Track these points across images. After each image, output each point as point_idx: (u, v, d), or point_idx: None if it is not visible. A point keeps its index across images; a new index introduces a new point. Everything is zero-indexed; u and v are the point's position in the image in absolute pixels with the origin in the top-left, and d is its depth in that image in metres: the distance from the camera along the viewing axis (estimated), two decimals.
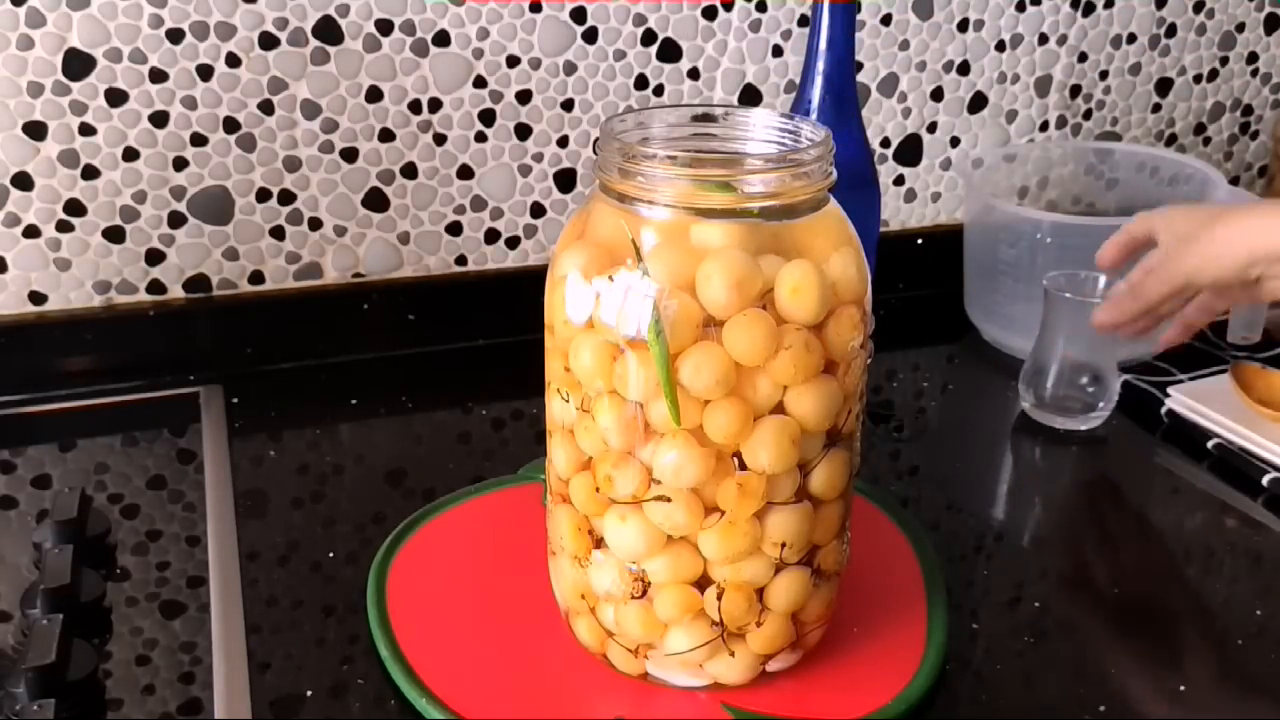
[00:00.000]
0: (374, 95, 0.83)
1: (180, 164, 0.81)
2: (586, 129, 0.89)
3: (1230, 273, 0.66)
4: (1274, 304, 0.86)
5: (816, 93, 0.71)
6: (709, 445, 0.48)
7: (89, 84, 0.77)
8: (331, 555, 0.65)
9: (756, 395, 0.48)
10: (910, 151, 0.99)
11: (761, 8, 0.90)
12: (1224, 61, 1.06)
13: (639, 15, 0.87)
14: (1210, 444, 0.77)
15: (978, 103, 0.99)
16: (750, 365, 0.47)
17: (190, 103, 0.79)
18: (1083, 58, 1.01)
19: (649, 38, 0.88)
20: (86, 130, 0.78)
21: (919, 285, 0.99)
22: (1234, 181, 1.12)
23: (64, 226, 0.80)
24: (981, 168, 0.94)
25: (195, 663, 0.57)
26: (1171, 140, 1.08)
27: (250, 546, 0.66)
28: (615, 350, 0.48)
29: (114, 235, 0.81)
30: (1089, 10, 0.99)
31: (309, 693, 0.55)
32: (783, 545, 0.50)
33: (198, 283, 0.84)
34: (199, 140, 0.80)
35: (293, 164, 0.83)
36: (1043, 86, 1.01)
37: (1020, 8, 0.97)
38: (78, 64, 0.76)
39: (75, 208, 0.79)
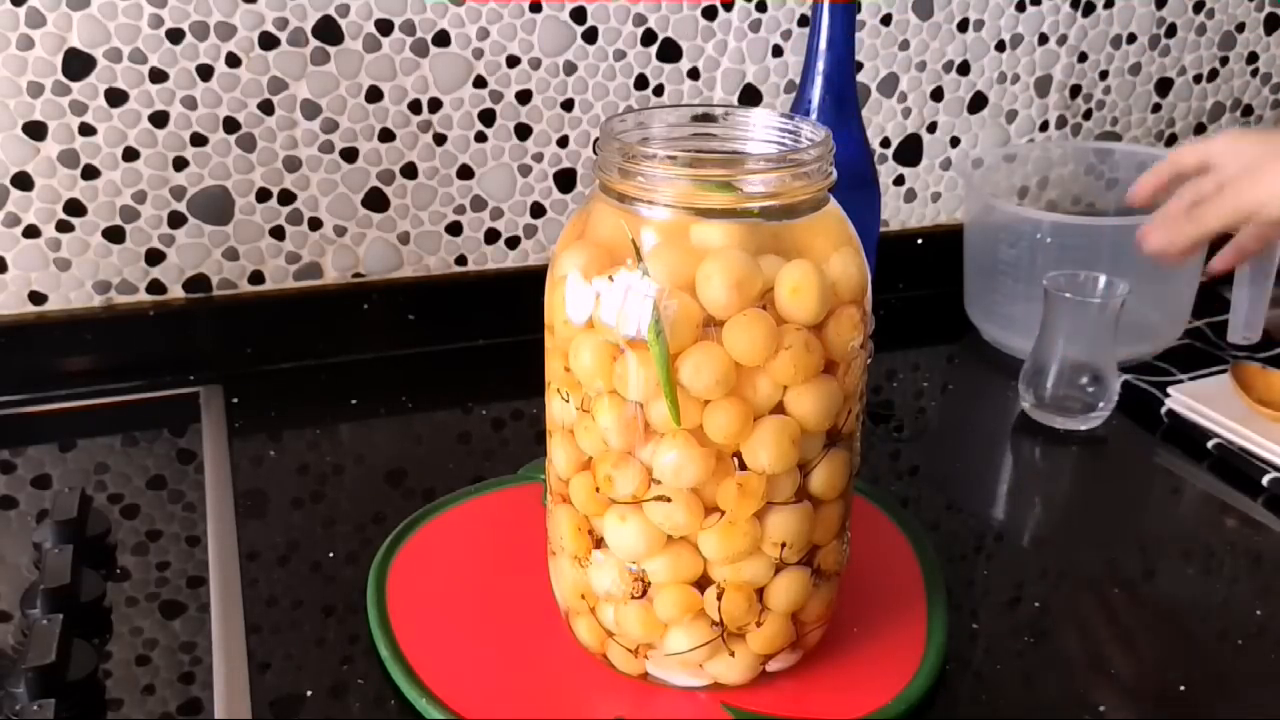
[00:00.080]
0: (374, 95, 0.83)
1: (180, 164, 0.81)
2: (586, 129, 0.89)
3: None
4: (1274, 304, 0.86)
5: (816, 93, 0.71)
6: (709, 445, 0.48)
7: (89, 84, 0.77)
8: (331, 555, 0.65)
9: (756, 395, 0.48)
10: (910, 151, 0.99)
11: (761, 8, 0.90)
12: (1224, 61, 1.06)
13: (639, 15, 0.87)
14: (1210, 444, 0.77)
15: (978, 103, 0.99)
16: (750, 365, 0.47)
17: (190, 103, 0.79)
18: (1083, 58, 1.01)
19: (649, 38, 0.88)
20: (86, 130, 0.78)
21: (919, 285, 0.99)
22: None
23: (64, 226, 0.80)
24: (981, 168, 0.94)
25: (195, 663, 0.57)
26: (1171, 140, 1.08)
27: (250, 546, 0.66)
28: (615, 350, 0.48)
29: (114, 235, 0.81)
30: (1089, 10, 0.99)
31: (309, 693, 0.55)
32: (783, 545, 0.50)
33: (198, 283, 0.84)
34: (199, 140, 0.80)
35: (293, 164, 0.83)
36: (1043, 86, 1.01)
37: (1020, 8, 0.97)
38: (78, 64, 0.76)
39: (75, 208, 0.79)
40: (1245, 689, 0.57)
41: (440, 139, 0.86)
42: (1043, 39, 0.99)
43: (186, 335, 0.84)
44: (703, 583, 0.51)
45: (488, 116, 0.86)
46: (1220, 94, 1.08)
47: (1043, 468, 0.80)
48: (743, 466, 0.49)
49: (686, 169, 0.48)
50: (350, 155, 0.84)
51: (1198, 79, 1.06)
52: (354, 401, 0.83)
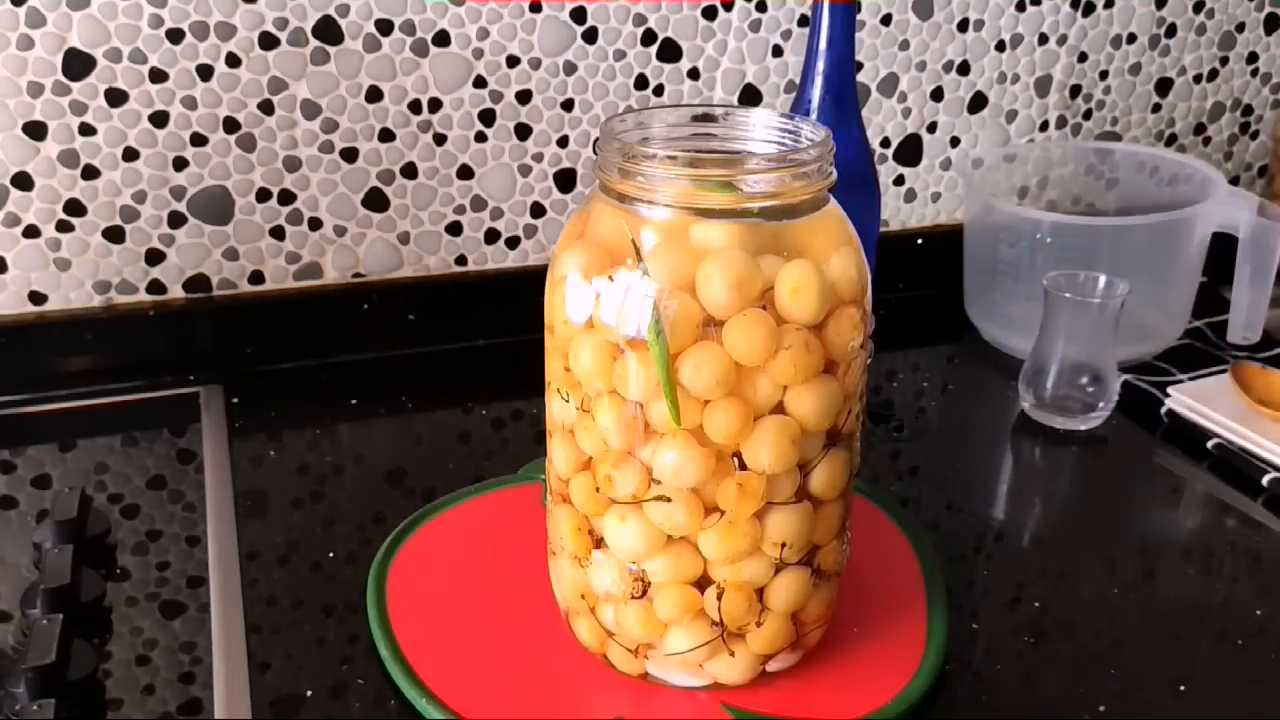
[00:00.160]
0: (374, 95, 0.83)
1: (180, 164, 0.81)
2: (586, 129, 0.89)
3: None
4: (1274, 304, 0.86)
5: (816, 93, 0.71)
6: (709, 445, 0.48)
7: (89, 84, 0.77)
8: (331, 555, 0.65)
9: (756, 395, 0.48)
10: (910, 151, 0.99)
11: (761, 8, 0.90)
12: (1224, 61, 1.06)
13: (639, 15, 0.87)
14: (1210, 444, 0.77)
15: (978, 103, 0.99)
16: (750, 365, 0.47)
17: (190, 103, 0.79)
18: (1083, 58, 1.01)
19: (649, 38, 0.88)
20: (86, 130, 0.78)
21: (919, 285, 0.99)
22: (1234, 181, 1.12)
23: (64, 226, 0.80)
24: (981, 168, 0.94)
25: (195, 663, 0.57)
26: (1171, 140, 1.08)
27: (250, 546, 0.66)
28: (615, 350, 0.48)
29: (114, 235, 0.81)
30: (1089, 10, 0.99)
31: (309, 693, 0.55)
32: (783, 545, 0.50)
33: (198, 283, 0.84)
34: (199, 140, 0.80)
35: (293, 164, 0.83)
36: (1043, 86, 1.01)
37: (1020, 8, 0.97)
38: (78, 64, 0.76)
39: (75, 208, 0.79)
40: (1245, 689, 0.57)
41: (440, 139, 0.86)
42: (1043, 39, 0.99)
43: (186, 335, 0.84)
44: (703, 583, 0.51)
45: (488, 116, 0.86)
46: (1220, 94, 1.08)
47: (1043, 468, 0.80)
48: (743, 466, 0.49)
49: (686, 169, 0.48)
50: (350, 155, 0.84)
51: (1198, 79, 1.06)
52: (354, 401, 0.83)
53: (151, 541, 0.66)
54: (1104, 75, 1.02)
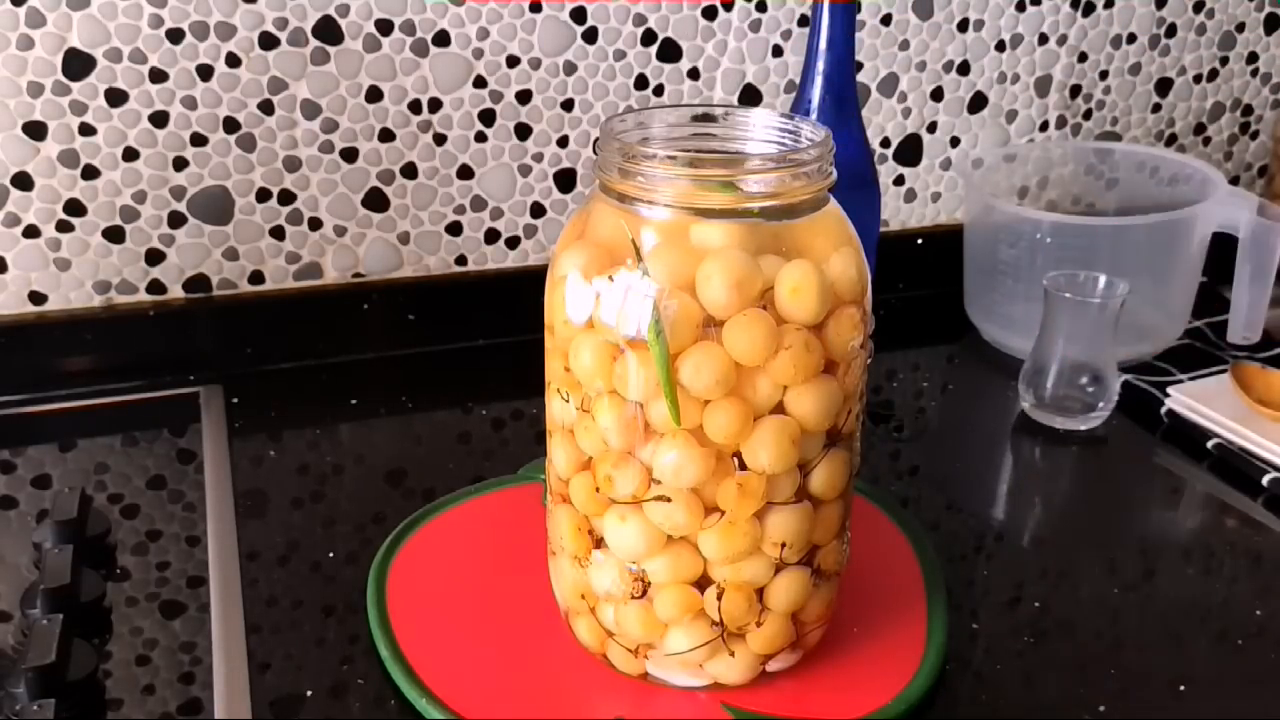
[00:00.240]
0: (374, 95, 0.83)
1: (180, 164, 0.81)
2: (586, 129, 0.89)
3: None
4: (1274, 304, 0.86)
5: (816, 93, 0.71)
6: (709, 445, 0.48)
7: (89, 84, 0.77)
8: (331, 555, 0.65)
9: (756, 395, 0.48)
10: (910, 151, 0.99)
11: (761, 8, 0.90)
12: (1224, 61, 1.06)
13: (639, 15, 0.87)
14: (1210, 444, 0.77)
15: (978, 103, 0.99)
16: (750, 365, 0.47)
17: (190, 103, 0.79)
18: (1083, 58, 1.01)
19: (649, 38, 0.88)
20: (86, 130, 0.78)
21: (919, 285, 0.99)
22: (1234, 181, 1.12)
23: (64, 226, 0.80)
24: (981, 168, 0.94)
25: (195, 663, 0.57)
26: (1171, 140, 1.08)
27: (250, 546, 0.66)
28: (615, 350, 0.48)
29: (114, 235, 0.81)
30: (1089, 10, 0.99)
31: (309, 693, 0.55)
32: (783, 545, 0.50)
33: (198, 283, 0.84)
34: (199, 140, 0.80)
35: (293, 164, 0.83)
36: (1043, 86, 1.01)
37: (1020, 8, 0.97)
38: (78, 64, 0.76)
39: (75, 208, 0.79)
40: (1245, 689, 0.57)
41: (440, 139, 0.86)
42: (1043, 39, 0.99)
43: (186, 335, 0.84)
44: (703, 583, 0.51)
45: (488, 116, 0.86)
46: (1220, 94, 1.08)
47: (1043, 468, 0.80)
48: (743, 466, 0.49)
49: (686, 169, 0.48)
50: (350, 155, 0.84)
51: (1198, 79, 1.06)
52: (354, 401, 0.83)
53: (151, 541, 0.66)
54: (1104, 75, 1.02)
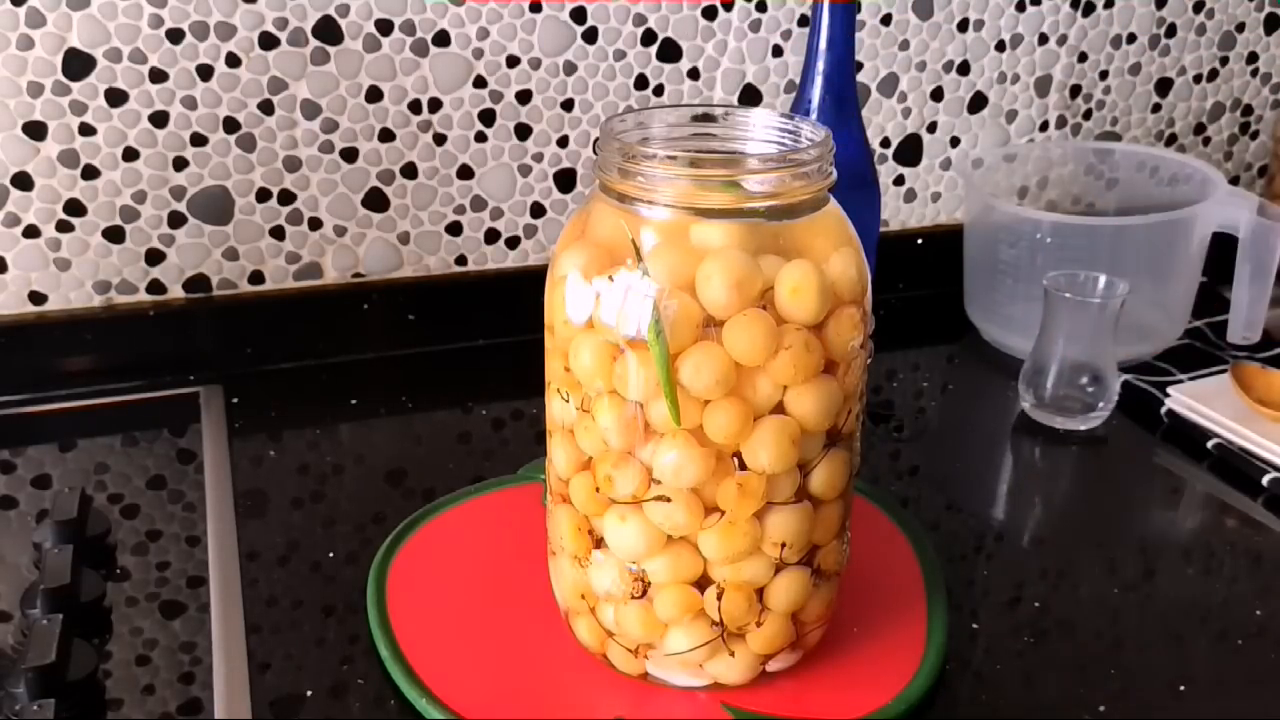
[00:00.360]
0: (374, 95, 0.83)
1: (180, 164, 0.81)
2: (586, 129, 0.89)
3: None
4: (1274, 304, 0.86)
5: (816, 93, 0.71)
6: (709, 445, 0.48)
7: (89, 84, 0.77)
8: (331, 555, 0.65)
9: (756, 395, 0.48)
10: (910, 151, 0.99)
11: (761, 8, 0.90)
12: (1224, 61, 1.06)
13: (639, 15, 0.87)
14: (1210, 444, 0.77)
15: (978, 103, 0.99)
16: (750, 365, 0.47)
17: (190, 103, 0.79)
18: (1083, 58, 1.01)
19: (649, 38, 0.88)
20: (86, 130, 0.78)
21: (919, 285, 0.99)
22: (1234, 181, 1.12)
23: (64, 226, 0.80)
24: (981, 168, 0.94)
25: (195, 663, 0.57)
26: (1171, 140, 1.08)
27: (250, 546, 0.66)
28: (615, 350, 0.48)
29: (114, 235, 0.81)
30: (1089, 10, 0.99)
31: (309, 693, 0.55)
32: (783, 545, 0.50)
33: (198, 283, 0.84)
34: (199, 140, 0.80)
35: (293, 164, 0.83)
36: (1043, 86, 1.01)
37: (1020, 8, 0.97)
38: (78, 64, 0.76)
39: (75, 208, 0.79)
40: (1245, 689, 0.57)
41: (440, 139, 0.86)
42: (1043, 39, 0.99)
43: (186, 335, 0.84)
44: (703, 583, 0.51)
45: (488, 116, 0.86)
46: (1220, 94, 1.08)
47: (1043, 468, 0.80)
48: (743, 466, 0.49)
49: (687, 169, 0.48)
50: (350, 155, 0.84)
51: (1198, 79, 1.06)
52: (354, 401, 0.83)
53: (151, 541, 0.66)
54: (1104, 75, 1.02)
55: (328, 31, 0.80)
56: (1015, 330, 0.88)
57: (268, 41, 0.79)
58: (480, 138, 0.86)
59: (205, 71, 0.79)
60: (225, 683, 0.55)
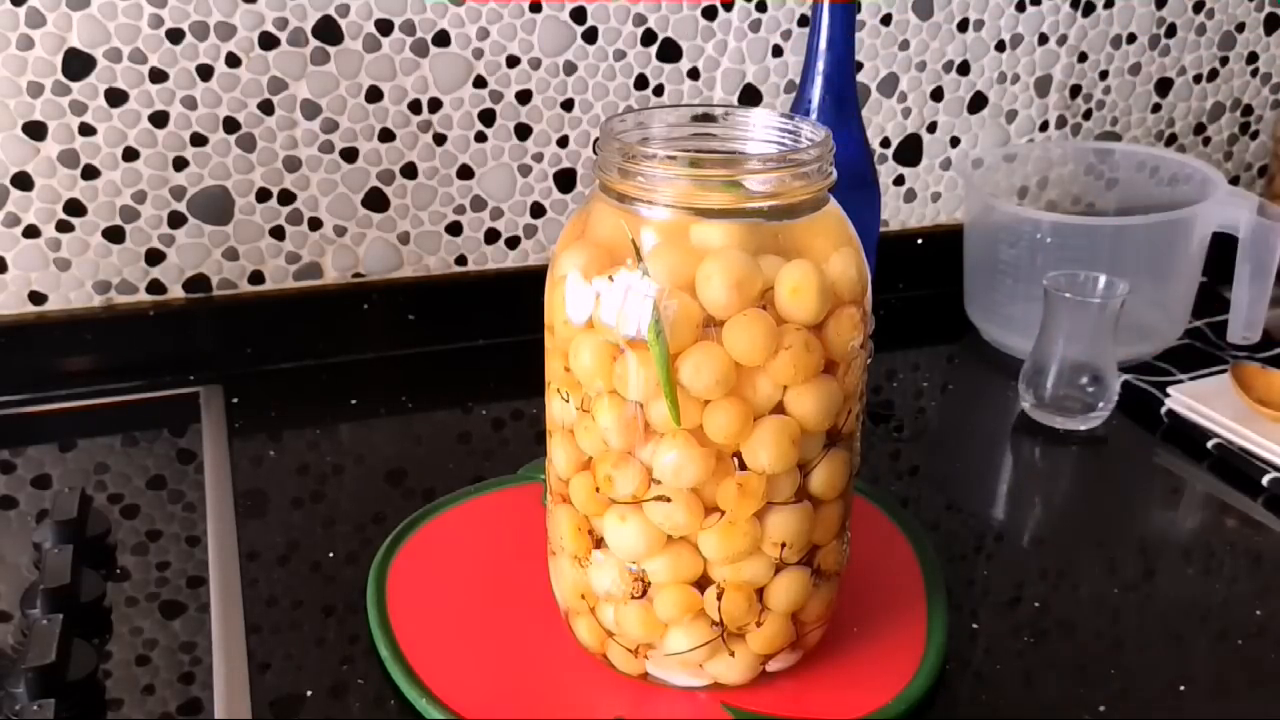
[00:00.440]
0: (374, 95, 0.83)
1: (180, 164, 0.81)
2: (586, 129, 0.89)
3: None
4: (1274, 304, 0.86)
5: (816, 93, 0.71)
6: (709, 445, 0.48)
7: (89, 84, 0.77)
8: (331, 555, 0.65)
9: (756, 395, 0.48)
10: (910, 151, 0.99)
11: (761, 8, 0.90)
12: (1224, 61, 1.06)
13: (639, 15, 0.87)
14: (1210, 444, 0.77)
15: (978, 103, 0.99)
16: (750, 365, 0.47)
17: (190, 103, 0.79)
18: (1083, 58, 1.01)
19: (649, 38, 0.88)
20: (86, 130, 0.78)
21: (919, 285, 0.99)
22: (1234, 181, 1.12)
23: (64, 226, 0.80)
24: (981, 168, 0.94)
25: (195, 663, 0.57)
26: (1171, 140, 1.08)
27: (250, 546, 0.66)
28: (615, 350, 0.48)
29: (114, 235, 0.81)
30: (1089, 10, 0.99)
31: (309, 693, 0.55)
32: (783, 545, 0.50)
33: (198, 283, 0.84)
34: (199, 140, 0.80)
35: (293, 164, 0.83)
36: (1043, 86, 1.01)
37: (1020, 8, 0.97)
38: (78, 64, 0.76)
39: (75, 208, 0.79)
40: (1245, 689, 0.57)
41: (440, 139, 0.86)
42: (1043, 39, 0.99)
43: (186, 335, 0.84)
44: (703, 583, 0.51)
45: (488, 116, 0.86)
46: (1220, 94, 1.08)
47: (1043, 468, 0.80)
48: (743, 466, 0.49)
49: (686, 169, 0.48)
50: (350, 155, 0.84)
51: (1198, 79, 1.06)
52: (354, 401, 0.83)
53: (151, 541, 0.66)
54: (1104, 75, 1.02)
55: (328, 31, 0.80)
56: (1015, 330, 0.88)
57: (268, 41, 0.79)
58: (480, 138, 0.86)
59: (205, 71, 0.79)
60: (225, 683, 0.55)
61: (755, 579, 0.51)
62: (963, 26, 0.96)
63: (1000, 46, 0.98)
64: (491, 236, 0.90)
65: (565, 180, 0.90)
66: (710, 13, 0.88)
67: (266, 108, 0.81)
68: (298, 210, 0.84)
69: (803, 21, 0.91)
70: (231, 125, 0.81)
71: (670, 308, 0.46)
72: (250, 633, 0.59)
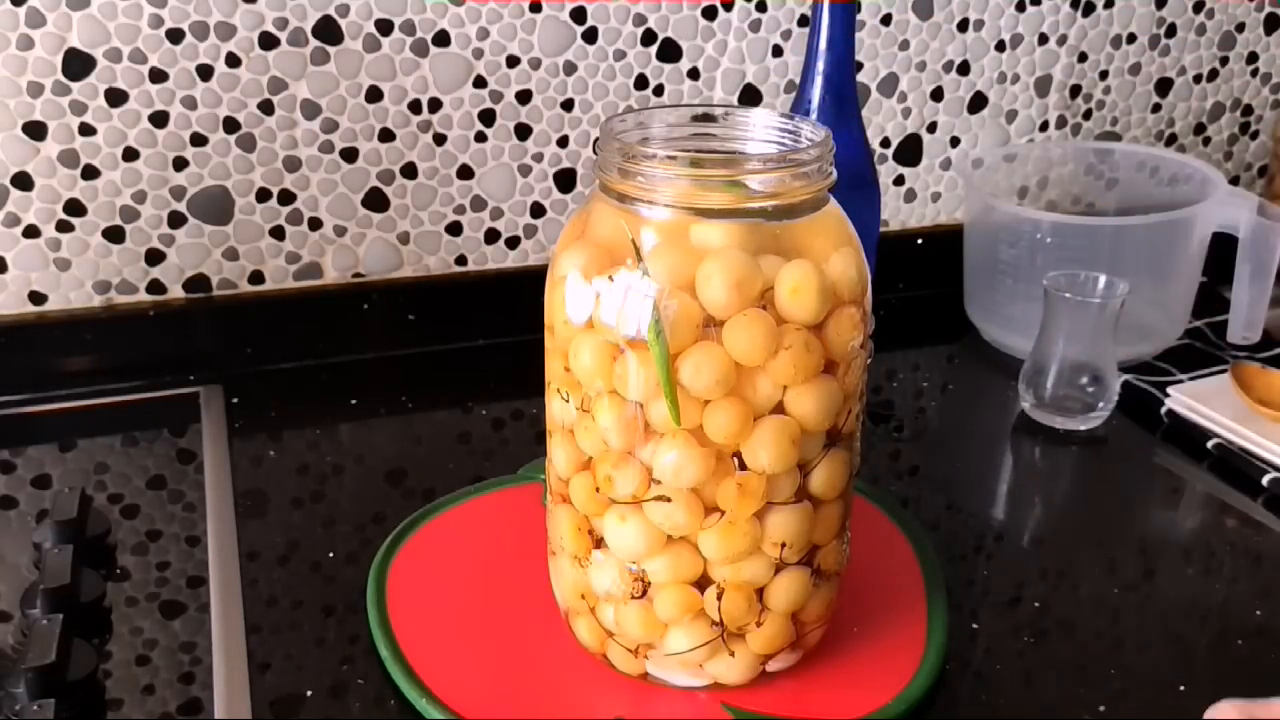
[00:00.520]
0: (374, 95, 0.83)
1: (180, 164, 0.81)
2: (586, 129, 0.89)
3: None
4: (1274, 304, 0.86)
5: (816, 93, 0.71)
6: (709, 445, 0.48)
7: (89, 84, 0.77)
8: (331, 555, 0.65)
9: (756, 395, 0.48)
10: (910, 151, 0.99)
11: (761, 8, 0.90)
12: (1224, 61, 1.06)
13: (639, 15, 0.87)
14: (1210, 444, 0.77)
15: (978, 103, 0.99)
16: (750, 365, 0.47)
17: (190, 103, 0.79)
18: (1083, 58, 1.01)
19: (649, 38, 0.88)
20: (86, 130, 0.78)
21: (919, 285, 0.99)
22: (1234, 181, 1.12)
23: (64, 226, 0.80)
24: (981, 168, 0.94)
25: (195, 663, 0.57)
26: (1171, 140, 1.08)
27: (250, 546, 0.66)
28: (615, 350, 0.48)
29: (114, 235, 0.81)
30: (1089, 10, 0.99)
31: (309, 693, 0.55)
32: (783, 545, 0.50)
33: (198, 283, 0.84)
34: (199, 140, 0.80)
35: (293, 164, 0.83)
36: (1043, 86, 1.01)
37: (1020, 8, 0.97)
38: (78, 64, 0.76)
39: (75, 208, 0.79)
40: (1245, 689, 0.57)
41: (440, 139, 0.86)
42: (1043, 39, 0.99)
43: (186, 335, 0.84)
44: (703, 583, 0.51)
45: (488, 116, 0.86)
46: (1220, 94, 1.08)
47: (1043, 468, 0.80)
48: (743, 466, 0.49)
49: (687, 169, 0.48)
50: (350, 155, 0.84)
51: (1198, 79, 1.06)
52: (354, 401, 0.83)
53: (151, 541, 0.66)
54: (1104, 75, 1.02)
55: (328, 31, 0.80)
56: (1015, 330, 0.88)
57: (268, 41, 0.79)
58: (480, 138, 0.86)
59: (205, 71, 0.79)
60: (225, 683, 0.55)
61: (755, 579, 0.51)
62: (963, 26, 0.96)
63: (1000, 46, 0.98)
64: (491, 236, 0.90)
65: (565, 180, 0.90)
66: (710, 13, 0.88)
67: (266, 108, 0.81)
68: (298, 210, 0.84)
69: (803, 21, 0.91)
70: (231, 125, 0.81)
71: (670, 308, 0.46)
72: (250, 633, 0.59)
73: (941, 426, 0.84)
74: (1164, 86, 1.05)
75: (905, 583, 0.62)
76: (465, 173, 0.87)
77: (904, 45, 0.95)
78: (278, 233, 0.84)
